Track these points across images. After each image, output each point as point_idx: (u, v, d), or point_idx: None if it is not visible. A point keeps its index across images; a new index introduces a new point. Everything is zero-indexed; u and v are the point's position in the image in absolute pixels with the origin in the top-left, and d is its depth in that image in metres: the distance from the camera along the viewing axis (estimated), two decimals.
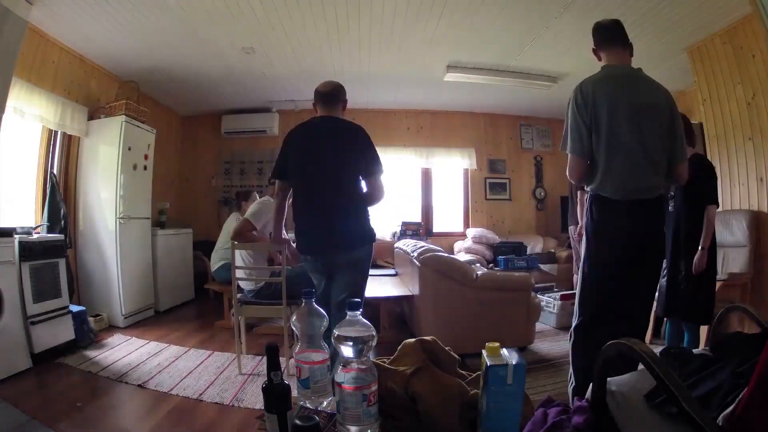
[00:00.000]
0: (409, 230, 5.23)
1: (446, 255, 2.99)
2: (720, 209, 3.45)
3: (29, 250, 2.68)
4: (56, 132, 3.56)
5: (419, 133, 5.88)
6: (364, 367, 0.75)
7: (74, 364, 2.67)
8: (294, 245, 2.15)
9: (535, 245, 5.48)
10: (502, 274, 3.51)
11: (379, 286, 3.56)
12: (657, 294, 2.26)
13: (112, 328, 3.56)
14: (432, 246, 3.20)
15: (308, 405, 0.88)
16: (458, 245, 5.48)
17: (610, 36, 1.79)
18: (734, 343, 0.98)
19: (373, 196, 1.99)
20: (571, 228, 3.48)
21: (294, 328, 0.92)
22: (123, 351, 2.97)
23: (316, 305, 0.92)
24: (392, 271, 4.23)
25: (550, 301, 3.73)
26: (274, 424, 0.75)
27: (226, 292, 3.66)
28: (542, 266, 4.89)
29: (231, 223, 3.87)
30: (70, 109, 3.52)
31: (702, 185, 2.30)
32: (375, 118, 5.80)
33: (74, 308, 3.02)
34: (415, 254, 3.01)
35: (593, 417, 0.79)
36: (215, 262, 3.74)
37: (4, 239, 2.53)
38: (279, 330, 3.51)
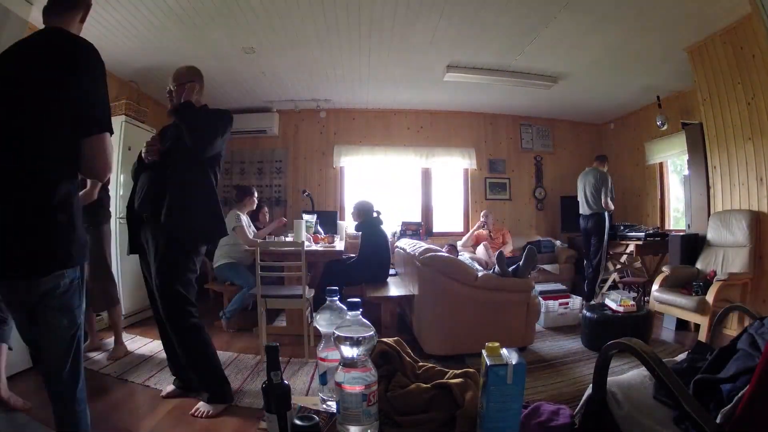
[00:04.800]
0: (409, 230, 5.23)
1: (446, 255, 2.99)
2: (720, 209, 3.49)
3: None
4: None
5: (419, 133, 5.88)
6: (364, 367, 0.75)
7: None
8: None
9: None
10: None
11: (380, 285, 3.56)
12: None
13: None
14: (432, 246, 3.20)
15: (326, 399, 0.90)
16: (458, 245, 5.47)
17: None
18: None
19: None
20: None
21: (318, 327, 0.91)
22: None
23: (340, 303, 0.91)
24: (392, 271, 4.23)
25: (553, 305, 3.71)
26: (274, 424, 0.75)
27: (226, 292, 3.66)
28: (543, 266, 4.89)
29: (230, 221, 3.83)
30: None
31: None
32: (375, 118, 5.81)
33: None
34: (416, 254, 3.01)
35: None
36: (219, 259, 3.71)
37: None
38: (280, 330, 3.52)
